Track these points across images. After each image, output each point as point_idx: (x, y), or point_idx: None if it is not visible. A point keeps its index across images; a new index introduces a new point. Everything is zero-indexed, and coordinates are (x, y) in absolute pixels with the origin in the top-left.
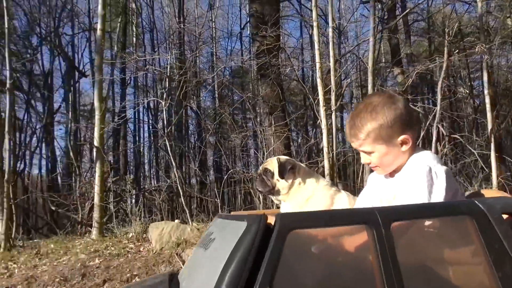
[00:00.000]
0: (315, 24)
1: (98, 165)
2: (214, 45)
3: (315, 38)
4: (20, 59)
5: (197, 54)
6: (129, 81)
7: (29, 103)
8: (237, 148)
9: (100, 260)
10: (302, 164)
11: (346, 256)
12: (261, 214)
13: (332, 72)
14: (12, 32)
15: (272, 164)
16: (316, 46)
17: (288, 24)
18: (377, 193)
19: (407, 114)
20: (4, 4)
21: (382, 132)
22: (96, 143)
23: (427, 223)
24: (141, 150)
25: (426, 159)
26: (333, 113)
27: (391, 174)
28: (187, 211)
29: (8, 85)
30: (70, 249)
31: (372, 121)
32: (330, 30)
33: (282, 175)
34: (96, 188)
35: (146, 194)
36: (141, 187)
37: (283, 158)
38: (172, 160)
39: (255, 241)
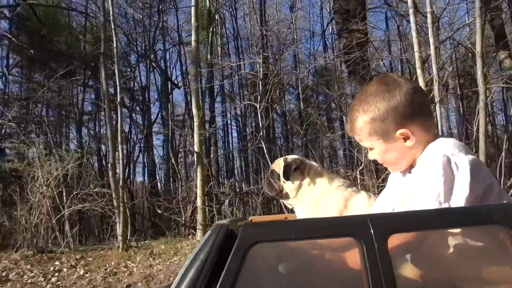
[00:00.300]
0: (411, 11)
1: (199, 169)
2: (296, 46)
3: (412, 26)
4: (122, 77)
5: (282, 58)
6: (218, 89)
7: (131, 117)
8: (324, 149)
9: None
10: (314, 163)
11: (324, 279)
12: (226, 224)
13: (433, 60)
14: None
15: (278, 164)
16: (414, 35)
17: (373, 17)
18: (395, 193)
19: (408, 104)
20: (112, 26)
21: (376, 127)
22: (196, 148)
23: (441, 235)
24: (232, 154)
25: (444, 147)
26: (437, 105)
27: (409, 169)
28: (286, 212)
29: (118, 99)
30: (179, 249)
31: (363, 114)
32: (429, 15)
33: (286, 176)
34: (198, 192)
35: (241, 196)
36: (235, 190)
37: (290, 157)
38: (269, 162)
39: (209, 256)
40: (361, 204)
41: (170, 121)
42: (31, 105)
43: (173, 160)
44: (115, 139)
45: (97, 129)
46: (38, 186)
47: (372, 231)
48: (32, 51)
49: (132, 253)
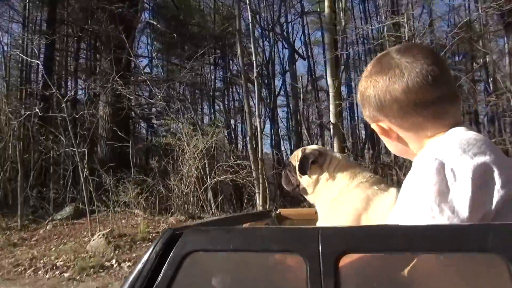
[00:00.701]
0: None
1: (335, 140)
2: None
3: None
4: (247, 53)
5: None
6: (346, 58)
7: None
8: (467, 115)
9: None
10: (337, 155)
11: None
12: (173, 228)
13: None
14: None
15: (296, 156)
16: None
17: None
18: None
19: (381, 99)
20: (248, 2)
21: (362, 109)
22: (332, 119)
23: (415, 262)
24: (364, 125)
25: (441, 147)
26: None
27: None
28: None
29: (255, 74)
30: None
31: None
32: None
33: (302, 170)
34: None
35: (382, 168)
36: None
37: (310, 148)
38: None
39: (146, 264)
40: (386, 205)
41: (301, 92)
42: (176, 85)
43: (305, 132)
44: (251, 114)
45: (226, 105)
46: (187, 158)
47: (320, 248)
48: (175, 35)
49: None
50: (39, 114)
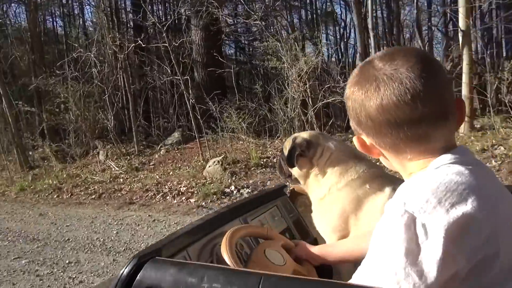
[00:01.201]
0: None
1: (465, 51)
2: None
3: None
4: None
5: None
6: None
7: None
8: None
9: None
10: (330, 145)
11: None
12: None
13: None
14: None
15: (288, 143)
16: None
17: None
18: None
19: (359, 110)
20: None
21: None
22: (462, 26)
23: None
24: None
25: (415, 195)
26: None
27: None
28: None
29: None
30: None
31: None
32: None
33: (290, 162)
34: (464, 77)
35: None
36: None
37: (300, 138)
38: None
39: None
40: (378, 207)
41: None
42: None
43: (419, 41)
44: (361, 26)
45: (309, 12)
46: (292, 80)
47: None
48: None
49: None
50: (142, 45)
